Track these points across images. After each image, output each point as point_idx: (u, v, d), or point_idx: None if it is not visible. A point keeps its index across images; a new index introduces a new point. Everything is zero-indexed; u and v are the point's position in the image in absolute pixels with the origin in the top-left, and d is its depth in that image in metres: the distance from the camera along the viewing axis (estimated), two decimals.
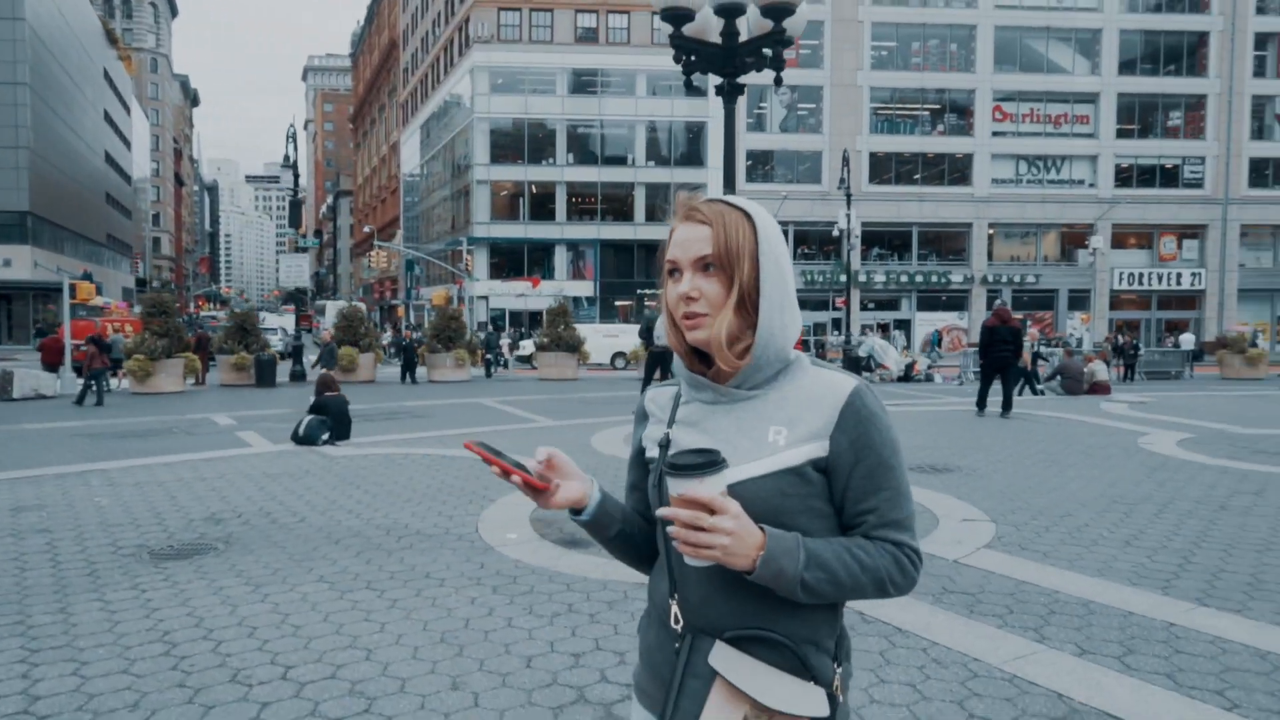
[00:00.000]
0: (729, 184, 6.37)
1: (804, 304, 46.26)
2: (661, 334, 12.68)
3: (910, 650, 3.71)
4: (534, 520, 6.19)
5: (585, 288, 45.31)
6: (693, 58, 6.30)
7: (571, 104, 45.81)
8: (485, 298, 44.99)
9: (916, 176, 46.72)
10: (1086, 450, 9.43)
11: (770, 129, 46.21)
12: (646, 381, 12.92)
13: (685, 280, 1.26)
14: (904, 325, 45.18)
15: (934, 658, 3.63)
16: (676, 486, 1.16)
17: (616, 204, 46.79)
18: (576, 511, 1.35)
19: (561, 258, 46.55)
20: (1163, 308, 47.89)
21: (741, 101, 38.38)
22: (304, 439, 9.38)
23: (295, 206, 24.97)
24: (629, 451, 1.47)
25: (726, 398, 1.30)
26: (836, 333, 41.94)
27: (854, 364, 25.25)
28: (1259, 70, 46.86)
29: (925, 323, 46.04)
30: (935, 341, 36.87)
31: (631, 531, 1.40)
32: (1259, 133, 47.28)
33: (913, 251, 46.96)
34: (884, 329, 41.77)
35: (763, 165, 46.51)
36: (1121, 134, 46.60)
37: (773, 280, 1.25)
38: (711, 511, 1.14)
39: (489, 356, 27.21)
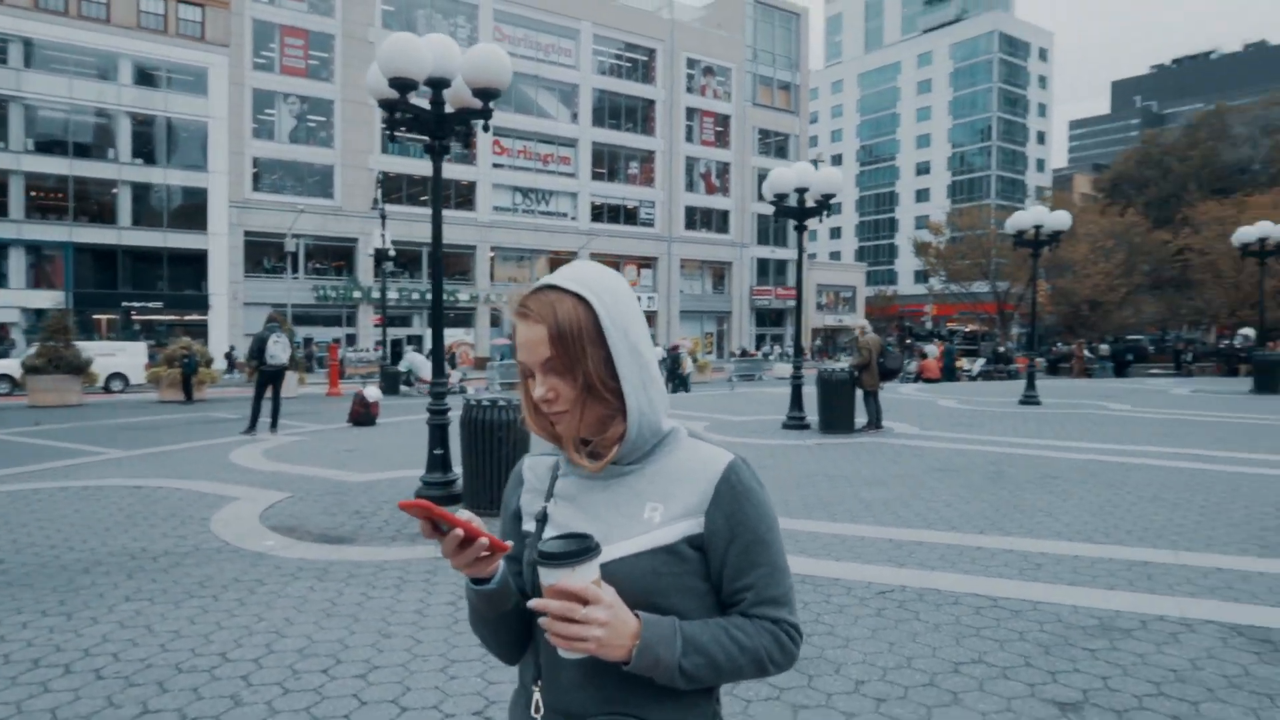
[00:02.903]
0: (437, 220, 7.52)
1: (316, 320, 45.94)
2: (275, 353, 12.64)
3: None
4: (271, 528, 6.64)
5: (53, 298, 38.53)
6: (400, 114, 7.35)
7: (32, 80, 38.67)
8: None
9: (424, 198, 49.21)
10: None
11: (279, 138, 44.66)
12: (258, 400, 12.56)
13: (539, 384, 1.24)
14: (417, 340, 47.16)
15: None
16: (548, 576, 1.12)
17: (95, 203, 40.71)
18: (479, 581, 1.23)
19: (18, 261, 38.93)
20: None
21: (247, 104, 36.50)
22: None
23: None
24: (502, 513, 1.42)
25: (603, 473, 1.27)
26: (351, 347, 42.25)
27: (393, 379, 26.28)
28: (689, 136, 59.26)
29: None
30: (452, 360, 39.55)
31: (520, 609, 1.27)
32: (690, 186, 59.75)
33: (423, 270, 49.32)
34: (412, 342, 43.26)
35: (270, 174, 44.70)
36: (596, 176, 55.07)
37: (626, 359, 1.23)
38: (585, 602, 1.11)
39: None
